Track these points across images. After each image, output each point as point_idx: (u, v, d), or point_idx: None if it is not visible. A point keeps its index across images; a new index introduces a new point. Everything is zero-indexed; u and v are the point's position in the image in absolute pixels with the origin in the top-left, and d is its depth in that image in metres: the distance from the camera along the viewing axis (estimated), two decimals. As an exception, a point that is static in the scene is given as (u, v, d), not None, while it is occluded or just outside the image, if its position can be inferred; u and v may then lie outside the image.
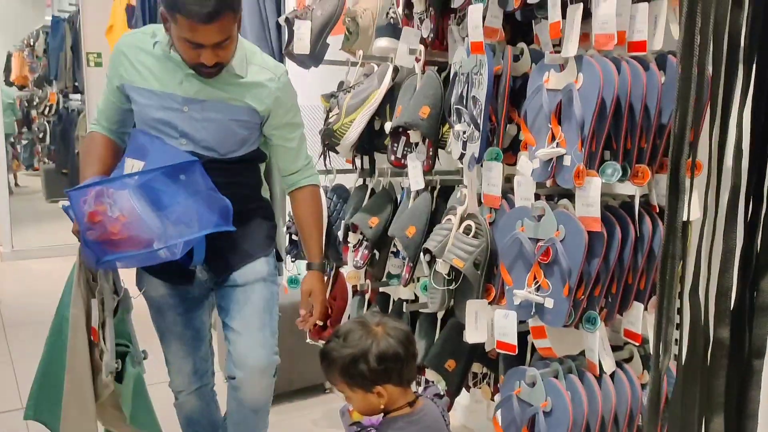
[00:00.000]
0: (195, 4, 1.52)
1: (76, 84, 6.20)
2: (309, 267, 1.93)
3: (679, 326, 1.37)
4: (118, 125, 1.87)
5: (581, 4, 1.44)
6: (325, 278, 2.45)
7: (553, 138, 1.50)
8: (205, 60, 1.63)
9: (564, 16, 1.46)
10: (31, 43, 7.49)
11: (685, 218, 1.42)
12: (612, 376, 1.63)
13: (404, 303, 2.19)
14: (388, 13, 2.18)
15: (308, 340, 2.43)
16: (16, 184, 7.90)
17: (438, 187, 2.04)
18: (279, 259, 2.05)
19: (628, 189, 1.55)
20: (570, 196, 1.58)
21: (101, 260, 1.58)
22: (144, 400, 1.82)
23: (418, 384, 2.14)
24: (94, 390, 1.71)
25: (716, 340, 1.38)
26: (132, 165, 1.66)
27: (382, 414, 1.31)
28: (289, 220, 2.35)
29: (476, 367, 2.11)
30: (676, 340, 1.40)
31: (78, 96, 6.67)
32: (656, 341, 1.33)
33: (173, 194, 1.58)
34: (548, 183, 1.58)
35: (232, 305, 1.81)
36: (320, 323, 2.50)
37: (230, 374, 1.84)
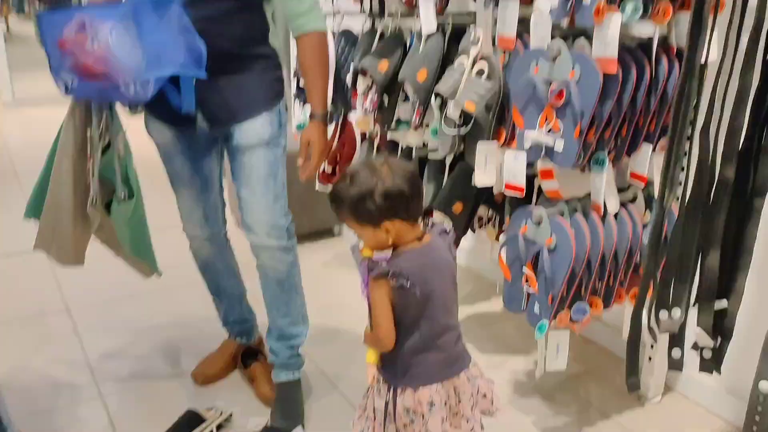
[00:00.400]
0: None
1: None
2: (311, 117, 1.87)
3: (686, 166, 1.41)
4: None
5: None
6: (334, 124, 2.48)
7: (574, -27, 1.44)
8: None
9: None
10: None
11: (711, 58, 1.41)
12: (615, 216, 1.69)
13: (415, 149, 2.21)
14: None
15: (317, 187, 2.49)
16: (8, 31, 7.64)
17: (450, 29, 1.99)
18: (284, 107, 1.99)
19: (647, 29, 1.52)
20: (587, 35, 1.54)
21: (69, 88, 1.58)
22: (137, 232, 1.89)
23: (425, 224, 2.22)
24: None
25: (721, 179, 1.42)
26: None
27: (392, 249, 1.37)
28: (296, 65, 2.31)
29: (482, 210, 2.18)
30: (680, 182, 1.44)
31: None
32: (663, 180, 1.37)
33: (151, 30, 1.53)
34: (564, 23, 1.54)
35: (238, 171, 1.80)
36: (329, 170, 2.55)
37: (248, 241, 1.87)
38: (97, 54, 1.52)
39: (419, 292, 1.29)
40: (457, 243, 2.20)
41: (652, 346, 1.96)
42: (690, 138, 1.38)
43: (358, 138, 2.47)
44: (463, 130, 1.80)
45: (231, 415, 1.93)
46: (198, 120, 1.75)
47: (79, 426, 1.91)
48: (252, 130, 1.76)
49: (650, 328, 1.55)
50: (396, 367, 1.37)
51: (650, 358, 1.96)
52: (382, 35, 2.16)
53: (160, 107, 1.68)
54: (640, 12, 1.43)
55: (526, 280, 1.69)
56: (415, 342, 1.34)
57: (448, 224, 2.13)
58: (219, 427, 1.88)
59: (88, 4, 1.68)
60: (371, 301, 1.33)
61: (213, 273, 2.09)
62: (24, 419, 1.85)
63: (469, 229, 2.24)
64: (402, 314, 1.32)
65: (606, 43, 1.44)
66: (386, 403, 1.39)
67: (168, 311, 2.51)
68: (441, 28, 1.96)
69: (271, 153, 1.80)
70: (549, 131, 1.57)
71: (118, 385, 2.09)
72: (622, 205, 1.71)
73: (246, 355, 2.16)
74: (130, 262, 1.98)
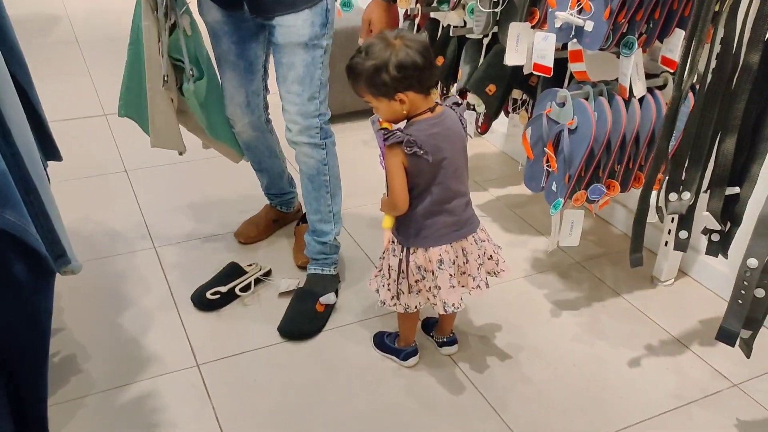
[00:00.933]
0: None
1: None
2: None
3: (710, 49, 1.41)
4: None
5: None
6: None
7: None
8: None
9: None
10: None
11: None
12: (641, 100, 1.71)
13: (452, 28, 2.23)
14: None
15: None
16: None
17: None
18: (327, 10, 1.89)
19: None
20: None
21: None
22: (214, 115, 2.01)
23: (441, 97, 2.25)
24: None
25: (745, 65, 1.43)
26: None
27: (406, 120, 1.45)
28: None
29: (516, 94, 2.22)
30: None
31: None
32: (682, 62, 1.39)
33: None
34: None
35: (278, 67, 1.85)
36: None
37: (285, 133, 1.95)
38: None
39: (431, 159, 1.38)
40: (488, 125, 2.27)
41: (669, 231, 2.03)
42: (715, 21, 1.38)
43: (401, 16, 2.48)
44: (498, 9, 1.82)
45: (270, 271, 2.13)
46: (244, 6, 1.80)
47: (134, 272, 2.14)
48: (292, 29, 1.77)
49: (658, 208, 1.62)
50: (409, 229, 1.49)
51: (666, 243, 2.04)
52: None
53: None
54: None
55: (547, 160, 1.76)
56: (427, 206, 1.45)
57: (481, 109, 2.19)
58: (257, 281, 2.07)
59: None
60: (387, 168, 1.43)
61: (254, 152, 2.20)
62: (85, 263, 2.08)
63: (504, 113, 2.30)
64: (415, 180, 1.43)
65: None
66: (400, 261, 1.53)
67: (218, 177, 2.69)
68: None
69: (309, 54, 1.80)
70: (580, 11, 1.58)
71: (169, 238, 2.31)
72: (650, 90, 1.73)
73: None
74: (217, 148, 2.10)
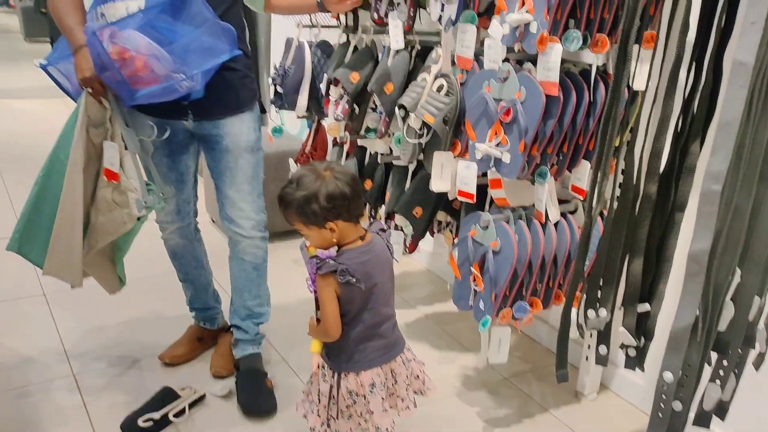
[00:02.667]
0: None
1: None
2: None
3: (614, 181, 1.57)
4: None
5: None
6: (308, 130, 2.63)
7: (523, 4, 1.61)
8: None
9: None
10: None
11: (635, 87, 1.59)
12: (556, 224, 1.86)
13: (379, 155, 2.37)
14: None
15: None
16: (-8, 23, 7.68)
17: (417, 47, 2.15)
18: (263, 110, 2.16)
19: (588, 57, 1.69)
20: (535, 61, 1.71)
21: (134, 97, 1.69)
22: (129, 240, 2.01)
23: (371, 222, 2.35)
24: (90, 237, 1.87)
25: (645, 195, 1.60)
26: (126, 6, 1.73)
27: (337, 247, 1.51)
28: (273, 72, 2.46)
29: (441, 216, 2.34)
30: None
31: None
32: (591, 192, 1.54)
33: (179, 28, 1.67)
34: (517, 48, 1.71)
35: (226, 171, 1.98)
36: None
37: (228, 235, 2.07)
38: (142, 57, 1.64)
39: (364, 287, 1.43)
40: (415, 245, 2.36)
41: (588, 347, 2.13)
42: (616, 155, 1.55)
43: (330, 143, 2.62)
44: (423, 140, 1.96)
45: (204, 396, 2.06)
46: (189, 116, 1.89)
47: (51, 404, 2.01)
48: (239, 135, 1.96)
49: (579, 326, 1.72)
50: (341, 355, 1.51)
51: (587, 358, 2.13)
52: (355, 48, 2.32)
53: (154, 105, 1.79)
54: (580, 43, 1.60)
55: (474, 279, 1.85)
56: (359, 331, 1.48)
57: (408, 230, 2.30)
58: (192, 404, 2.00)
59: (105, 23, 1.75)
60: (320, 297, 1.47)
61: (181, 262, 2.23)
62: (-1, 394, 1.97)
63: (429, 233, 2.41)
64: (347, 307, 1.47)
65: (548, 69, 1.61)
66: (330, 387, 1.53)
67: (140, 298, 2.63)
68: (408, 45, 2.13)
69: (254, 156, 2.01)
70: (498, 144, 1.73)
71: (90, 365, 2.21)
72: (563, 215, 1.88)
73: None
74: (98, 274, 2.01)
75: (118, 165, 1.81)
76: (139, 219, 1.87)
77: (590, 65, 1.70)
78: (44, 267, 1.86)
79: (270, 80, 2.49)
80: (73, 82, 1.85)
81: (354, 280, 1.42)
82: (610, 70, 1.75)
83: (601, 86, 1.70)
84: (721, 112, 1.21)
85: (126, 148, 1.83)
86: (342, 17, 2.38)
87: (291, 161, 2.66)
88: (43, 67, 1.86)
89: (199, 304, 2.32)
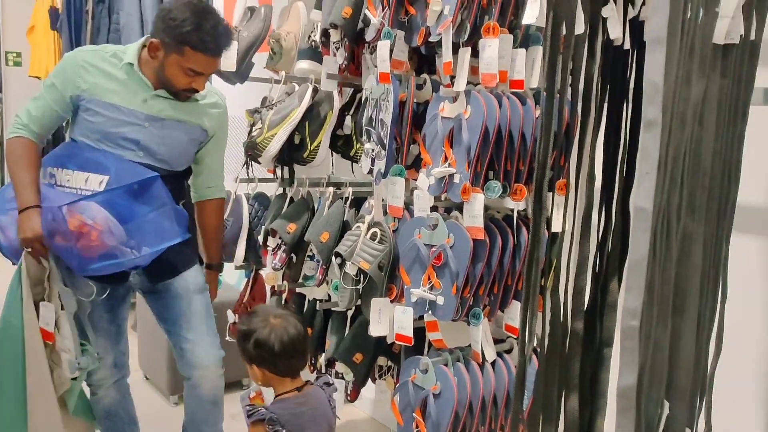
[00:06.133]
0: (210, 41, 1.80)
1: (-7, 82, 6.06)
2: (208, 267, 2.18)
3: (543, 320, 1.64)
4: (48, 132, 1.98)
5: (470, 48, 1.70)
6: (246, 279, 2.65)
7: (446, 159, 1.75)
8: (198, 86, 1.90)
9: (456, 54, 1.72)
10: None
11: (553, 230, 1.71)
12: (494, 364, 1.89)
13: (318, 302, 2.39)
14: (309, 37, 2.40)
15: (227, 338, 2.60)
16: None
17: (350, 197, 2.26)
18: (201, 263, 2.20)
19: (509, 204, 1.83)
20: (461, 208, 1.83)
21: (86, 269, 1.72)
22: (83, 391, 1.96)
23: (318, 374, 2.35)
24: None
25: (572, 331, 1.67)
26: (86, 178, 1.79)
27: (274, 396, 1.51)
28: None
29: (381, 361, 2.34)
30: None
31: (-6, 94, 6.52)
32: (522, 331, 1.59)
33: (137, 208, 1.75)
34: (443, 197, 1.83)
35: (181, 317, 2.02)
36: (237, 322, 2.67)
37: (187, 375, 2.06)
38: (98, 229, 1.70)
39: None
40: (357, 392, 2.33)
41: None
42: (543, 294, 1.63)
43: (268, 292, 2.63)
44: (360, 286, 2.01)
45: None
46: (131, 275, 1.91)
47: None
48: (193, 280, 2.03)
49: (523, 468, 1.70)
50: None
51: (536, 502, 2.08)
52: (291, 200, 2.42)
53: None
54: (500, 192, 1.73)
55: (416, 425, 1.83)
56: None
57: (349, 377, 2.28)
58: None
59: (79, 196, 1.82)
60: None
61: (114, 420, 2.13)
62: None
63: (371, 380, 2.39)
64: None
65: (473, 216, 1.72)
66: None
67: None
68: (342, 195, 2.24)
69: (204, 297, 2.10)
70: (431, 288, 1.80)
71: None
72: (500, 354, 1.92)
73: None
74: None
75: (53, 325, 1.77)
76: (74, 380, 1.80)
77: (512, 211, 1.83)
78: None
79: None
80: (7, 235, 1.84)
81: (283, 430, 1.40)
82: (530, 215, 1.89)
83: (524, 229, 1.82)
84: (630, 253, 1.31)
85: (62, 308, 1.80)
86: (278, 171, 2.49)
87: (229, 312, 2.64)
88: None
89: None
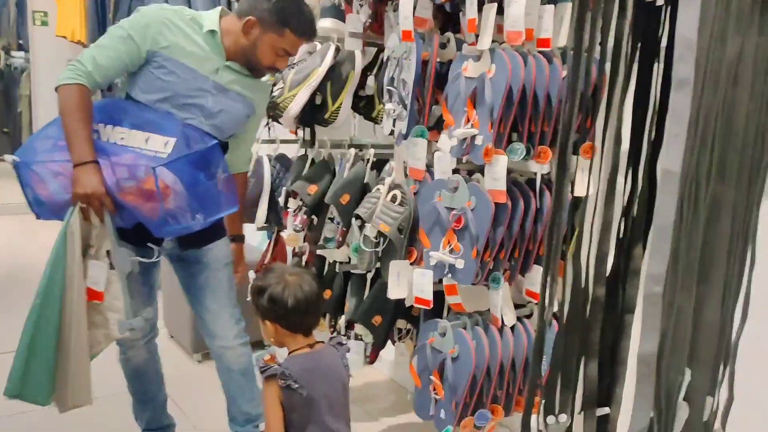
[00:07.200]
0: (309, 26, 1.91)
1: (20, 42, 6.10)
2: (234, 240, 2.19)
3: (563, 285, 1.61)
4: (106, 85, 1.89)
5: (495, 4, 1.64)
6: (268, 240, 2.65)
7: (468, 120, 1.71)
8: (281, 65, 1.94)
9: (481, 11, 1.66)
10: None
11: (576, 194, 1.67)
12: (513, 329, 1.87)
13: (338, 264, 2.39)
14: (332, -5, 2.35)
15: (248, 299, 2.61)
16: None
17: (372, 159, 2.24)
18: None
19: (532, 167, 1.78)
20: (483, 171, 1.79)
21: (163, 230, 1.75)
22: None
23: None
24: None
25: (594, 298, 1.63)
26: (147, 138, 1.76)
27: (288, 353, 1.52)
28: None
29: (401, 324, 2.34)
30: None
31: (21, 54, 6.56)
32: (542, 296, 1.57)
33: (200, 174, 1.76)
34: (465, 159, 1.80)
35: (206, 288, 2.04)
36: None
37: (209, 345, 2.09)
38: (169, 193, 1.72)
39: (305, 393, 1.42)
40: (376, 354, 2.34)
41: (554, 455, 2.08)
42: (565, 258, 1.60)
43: (289, 253, 2.64)
44: (380, 248, 1.99)
45: None
46: (165, 241, 1.93)
47: None
48: (219, 252, 2.05)
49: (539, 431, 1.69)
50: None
51: (553, 467, 2.08)
52: (312, 161, 2.40)
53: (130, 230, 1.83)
54: (524, 154, 1.69)
55: (434, 388, 1.83)
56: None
57: (368, 339, 2.29)
58: None
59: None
60: (264, 401, 1.45)
61: (142, 380, 2.17)
62: None
63: (390, 341, 2.39)
64: (291, 415, 1.44)
65: (495, 178, 1.69)
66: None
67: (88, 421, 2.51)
68: (363, 157, 2.21)
69: (229, 270, 2.11)
70: (451, 251, 1.78)
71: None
72: (519, 319, 1.90)
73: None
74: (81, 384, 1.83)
75: (103, 284, 1.74)
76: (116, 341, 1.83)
77: (535, 174, 1.79)
78: (57, 403, 1.74)
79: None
80: (48, 189, 1.76)
81: (295, 385, 1.41)
82: (553, 178, 1.84)
83: (547, 194, 1.78)
84: (655, 218, 1.27)
85: (112, 267, 1.77)
86: (300, 132, 2.47)
87: (251, 273, 2.66)
88: (17, 165, 1.75)
89: (155, 424, 2.22)
